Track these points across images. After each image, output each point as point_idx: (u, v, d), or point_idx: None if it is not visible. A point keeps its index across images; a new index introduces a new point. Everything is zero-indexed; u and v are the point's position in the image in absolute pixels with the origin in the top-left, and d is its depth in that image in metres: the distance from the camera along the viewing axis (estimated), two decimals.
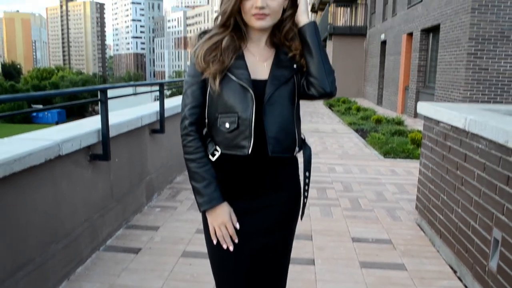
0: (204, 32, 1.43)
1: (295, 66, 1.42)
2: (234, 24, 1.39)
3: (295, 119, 1.44)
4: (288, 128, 1.41)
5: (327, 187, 4.89)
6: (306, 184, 1.54)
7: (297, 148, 1.46)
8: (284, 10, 1.39)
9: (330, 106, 15.77)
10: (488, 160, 2.45)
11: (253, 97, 1.36)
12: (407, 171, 5.77)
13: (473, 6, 9.10)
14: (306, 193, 1.55)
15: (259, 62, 1.42)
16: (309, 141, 7.99)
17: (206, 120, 1.44)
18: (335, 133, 9.35)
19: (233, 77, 1.36)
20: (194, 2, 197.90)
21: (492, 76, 9.32)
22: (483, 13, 9.10)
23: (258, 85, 1.37)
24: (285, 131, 1.40)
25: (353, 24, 24.09)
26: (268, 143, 1.37)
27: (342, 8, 27.13)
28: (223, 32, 1.39)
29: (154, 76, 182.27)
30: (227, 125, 1.38)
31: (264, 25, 1.36)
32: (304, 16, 1.41)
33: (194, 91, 1.42)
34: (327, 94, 1.41)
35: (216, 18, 1.41)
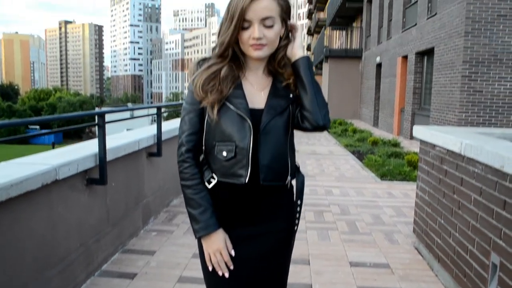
0: (203, 60, 1.45)
1: (291, 95, 1.45)
2: (232, 54, 1.41)
3: (289, 148, 1.46)
4: (281, 157, 1.43)
5: (324, 210, 4.87)
6: (298, 212, 1.54)
7: (289, 177, 1.47)
8: (280, 39, 1.42)
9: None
10: (485, 185, 2.46)
11: (251, 127, 1.37)
12: (404, 194, 5.77)
13: (466, 30, 9.26)
14: (297, 221, 1.55)
15: (256, 91, 1.44)
16: (306, 163, 8.03)
17: (203, 147, 1.45)
18: (331, 155, 9.37)
19: (231, 107, 1.38)
20: (191, 25, 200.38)
21: (486, 98, 9.42)
22: (477, 36, 9.26)
23: (255, 114, 1.39)
24: (278, 160, 1.42)
25: (348, 46, 24.39)
26: (261, 171, 1.39)
27: (337, 31, 27.55)
28: (222, 61, 1.41)
29: (151, 97, 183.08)
30: (224, 153, 1.39)
31: (261, 55, 1.39)
32: (300, 51, 1.44)
33: (192, 118, 1.43)
34: (320, 128, 1.43)
35: (214, 48, 1.43)
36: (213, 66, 1.41)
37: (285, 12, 1.39)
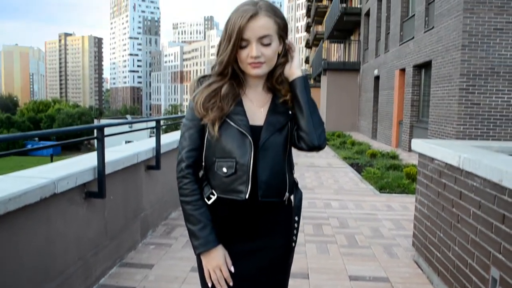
0: (203, 77, 1.46)
1: (290, 112, 1.46)
2: (232, 72, 1.42)
3: (287, 164, 1.47)
4: (279, 173, 1.43)
5: (323, 223, 4.86)
6: (295, 229, 1.54)
7: (287, 193, 1.47)
8: (278, 55, 1.43)
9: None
10: (483, 198, 2.46)
11: (252, 143, 1.38)
12: (403, 206, 5.76)
13: (463, 43, 9.34)
14: (295, 238, 1.55)
15: (256, 108, 1.45)
16: (305, 175, 8.03)
17: (203, 164, 1.46)
18: (330, 168, 9.37)
19: (232, 123, 1.39)
20: (190, 38, 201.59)
21: (484, 111, 9.47)
22: (473, 50, 9.34)
23: (254, 131, 1.40)
24: (276, 176, 1.42)
25: (346, 59, 24.55)
26: (259, 187, 1.39)
27: (335, 44, 27.73)
28: (222, 79, 1.42)
29: (150, 109, 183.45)
30: (224, 169, 1.39)
31: (260, 73, 1.40)
32: (297, 70, 1.45)
33: (192, 135, 1.44)
34: (316, 148, 1.44)
35: (214, 66, 1.44)
36: (214, 84, 1.42)
37: (282, 29, 1.40)
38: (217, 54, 1.41)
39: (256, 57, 1.35)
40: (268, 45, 1.36)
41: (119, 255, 3.52)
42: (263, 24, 1.34)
